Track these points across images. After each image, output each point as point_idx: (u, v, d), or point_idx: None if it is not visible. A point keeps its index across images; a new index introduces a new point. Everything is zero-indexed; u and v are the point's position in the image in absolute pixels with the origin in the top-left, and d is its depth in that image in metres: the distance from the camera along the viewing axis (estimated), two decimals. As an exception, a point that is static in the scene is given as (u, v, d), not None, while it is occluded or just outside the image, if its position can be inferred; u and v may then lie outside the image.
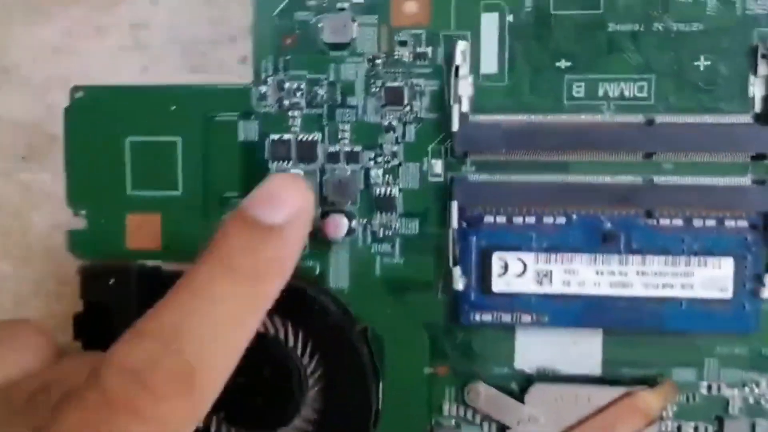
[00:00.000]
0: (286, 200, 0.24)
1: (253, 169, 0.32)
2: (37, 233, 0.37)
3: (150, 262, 0.33)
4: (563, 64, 0.30)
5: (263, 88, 0.32)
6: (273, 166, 0.32)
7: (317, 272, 0.32)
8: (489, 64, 0.31)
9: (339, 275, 0.32)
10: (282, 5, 0.32)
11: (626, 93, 0.30)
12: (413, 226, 0.31)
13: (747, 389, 0.31)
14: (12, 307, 0.38)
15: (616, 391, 0.31)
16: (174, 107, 0.32)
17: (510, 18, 0.30)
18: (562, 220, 0.30)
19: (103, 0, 0.36)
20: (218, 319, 0.23)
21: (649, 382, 0.31)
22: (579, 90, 0.30)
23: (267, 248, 0.24)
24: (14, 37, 0.36)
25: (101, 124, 0.33)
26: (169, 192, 0.33)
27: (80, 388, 0.22)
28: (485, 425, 0.32)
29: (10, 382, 0.25)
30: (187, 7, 0.35)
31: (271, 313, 0.31)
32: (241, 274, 0.24)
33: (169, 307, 0.23)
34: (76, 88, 0.33)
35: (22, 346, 0.26)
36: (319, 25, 0.31)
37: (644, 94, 0.30)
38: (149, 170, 0.33)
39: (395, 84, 0.31)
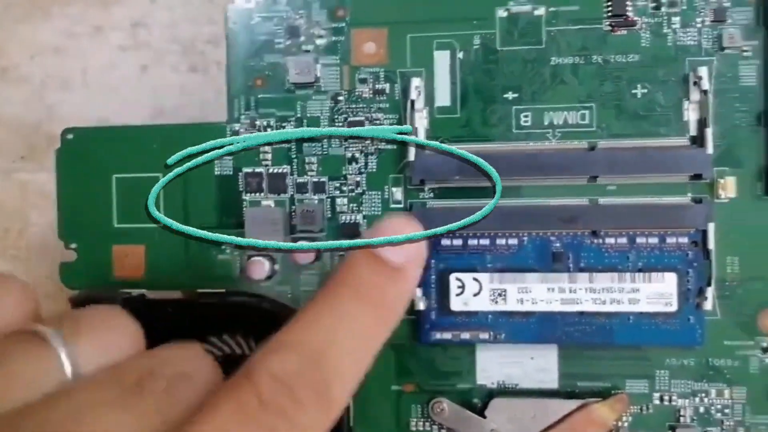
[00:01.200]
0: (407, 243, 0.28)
1: (228, 200, 0.34)
2: (35, 232, 0.38)
3: (135, 291, 0.35)
4: (511, 95, 0.32)
5: (236, 126, 0.34)
6: (247, 197, 0.34)
7: (289, 295, 0.34)
8: (442, 97, 0.33)
9: (309, 298, 0.34)
10: (253, 48, 0.34)
11: (570, 121, 0.32)
12: (377, 251, 0.33)
13: (697, 399, 0.32)
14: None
15: (572, 404, 0.32)
16: (155, 145, 0.35)
17: (460, 55, 0.33)
18: (514, 241, 0.32)
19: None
20: (352, 343, 0.26)
21: (604, 394, 0.32)
22: (526, 119, 0.32)
23: (393, 283, 0.27)
24: (14, 36, 0.38)
25: (90, 163, 0.35)
26: (152, 224, 0.35)
27: (232, 385, 0.24)
28: (450, 439, 0.33)
29: (115, 365, 0.26)
30: (187, 7, 0.36)
31: (244, 335, 0.34)
32: (371, 304, 0.27)
33: (311, 325, 0.26)
34: (66, 131, 0.35)
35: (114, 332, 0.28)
36: (287, 67, 0.34)
37: (586, 122, 0.32)
38: (134, 204, 0.35)
39: (357, 118, 0.33)
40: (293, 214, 0.34)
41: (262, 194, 0.34)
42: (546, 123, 0.32)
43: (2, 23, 0.38)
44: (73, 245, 0.36)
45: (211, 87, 0.39)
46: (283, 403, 0.24)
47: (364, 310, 0.27)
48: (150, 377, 0.25)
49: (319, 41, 0.34)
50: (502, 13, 0.32)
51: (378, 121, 0.33)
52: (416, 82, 0.32)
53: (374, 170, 0.33)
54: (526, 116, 0.32)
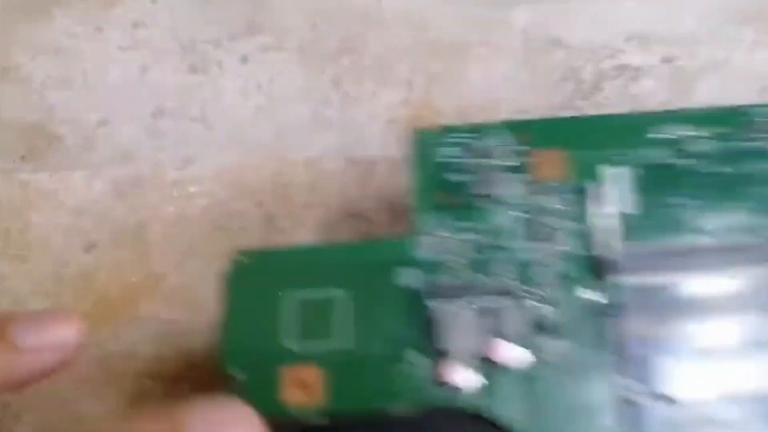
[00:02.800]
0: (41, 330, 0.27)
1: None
2: (36, 233, 0.36)
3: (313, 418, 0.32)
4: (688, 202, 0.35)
5: (423, 239, 0.35)
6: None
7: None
8: (621, 206, 0.35)
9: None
10: (436, 167, 0.36)
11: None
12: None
13: None
14: (10, 307, 0.38)
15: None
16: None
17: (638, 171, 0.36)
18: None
19: (102, -1, 0.39)
20: None
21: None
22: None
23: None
24: (14, 36, 0.37)
25: (261, 286, 0.34)
26: (332, 346, 0.33)
27: None
28: None
29: None
30: (187, 7, 0.38)
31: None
32: None
33: None
34: (238, 252, 0.34)
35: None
36: (471, 182, 0.36)
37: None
38: (309, 324, 0.34)
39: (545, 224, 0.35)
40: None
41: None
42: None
43: (2, 23, 0.39)
44: (241, 375, 0.33)
45: (211, 87, 0.39)
46: None
47: None
48: None
49: (502, 161, 0.36)
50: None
51: (560, 230, 0.35)
52: (595, 192, 0.35)
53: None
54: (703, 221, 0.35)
